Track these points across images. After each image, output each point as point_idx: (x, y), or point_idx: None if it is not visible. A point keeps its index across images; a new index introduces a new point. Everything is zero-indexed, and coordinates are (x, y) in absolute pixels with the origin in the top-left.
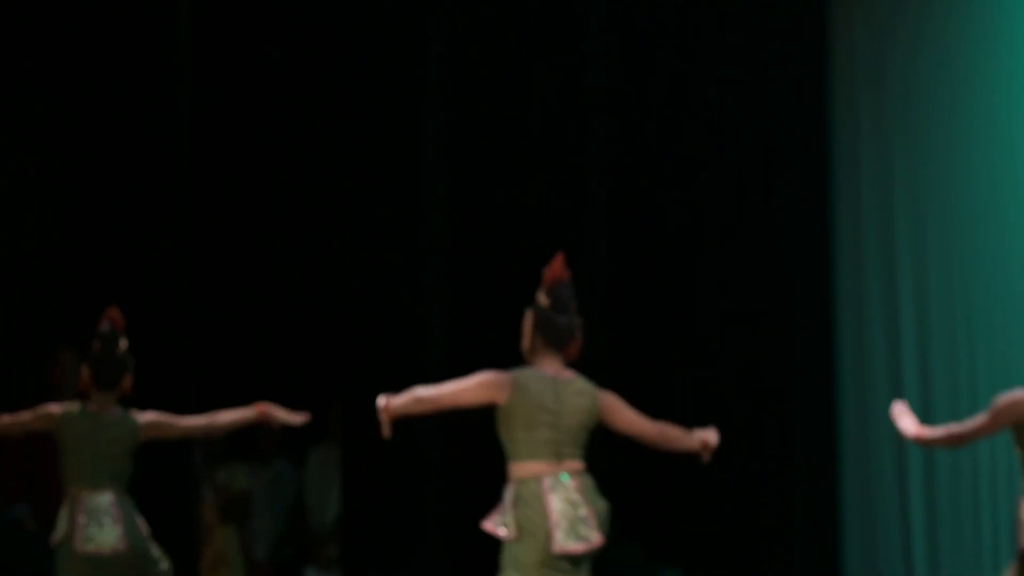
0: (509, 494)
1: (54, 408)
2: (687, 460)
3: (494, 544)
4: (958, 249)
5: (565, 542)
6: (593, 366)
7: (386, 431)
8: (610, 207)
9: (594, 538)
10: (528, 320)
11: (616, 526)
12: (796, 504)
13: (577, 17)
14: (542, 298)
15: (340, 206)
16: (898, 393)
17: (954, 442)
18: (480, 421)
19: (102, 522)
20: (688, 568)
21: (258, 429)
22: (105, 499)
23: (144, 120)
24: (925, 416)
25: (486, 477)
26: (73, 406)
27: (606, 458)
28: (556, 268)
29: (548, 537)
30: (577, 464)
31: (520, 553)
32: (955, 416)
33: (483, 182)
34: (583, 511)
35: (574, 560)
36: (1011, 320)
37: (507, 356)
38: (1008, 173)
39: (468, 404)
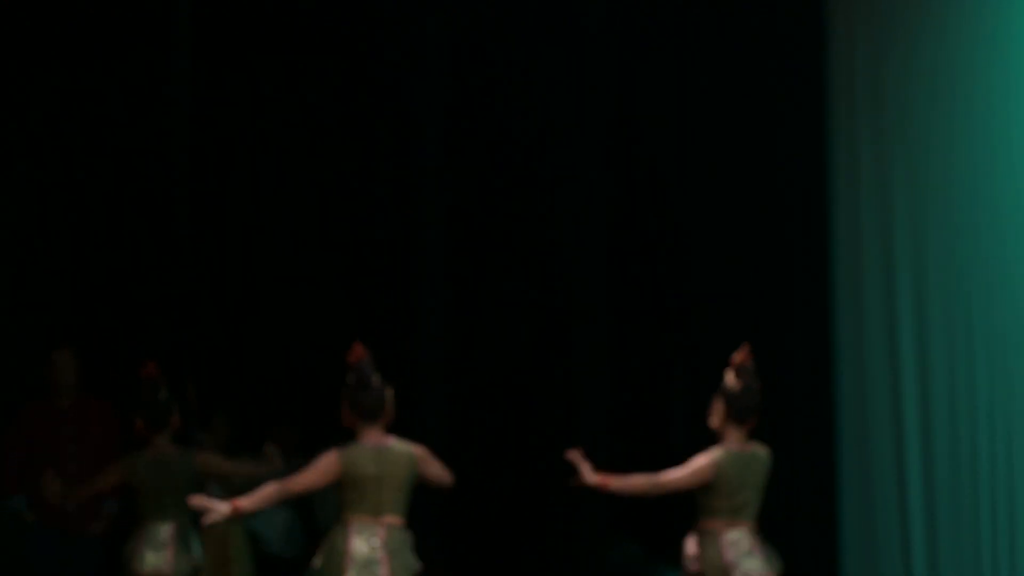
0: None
1: (124, 462)
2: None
3: (491, 540)
4: (957, 251)
5: None
6: (600, 371)
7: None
8: (609, 211)
9: None
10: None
11: (617, 527)
12: (795, 502)
13: (577, 21)
14: (349, 379)
15: (337, 224)
16: (896, 391)
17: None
18: (477, 419)
19: (159, 548)
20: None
21: (266, 428)
22: (167, 528)
23: (143, 118)
24: (924, 417)
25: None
26: (138, 456)
27: (606, 462)
28: (356, 353)
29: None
30: (396, 519)
31: None
32: (953, 418)
33: (482, 188)
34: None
35: None
36: (1010, 321)
37: (508, 350)
38: (1007, 174)
39: (315, 488)
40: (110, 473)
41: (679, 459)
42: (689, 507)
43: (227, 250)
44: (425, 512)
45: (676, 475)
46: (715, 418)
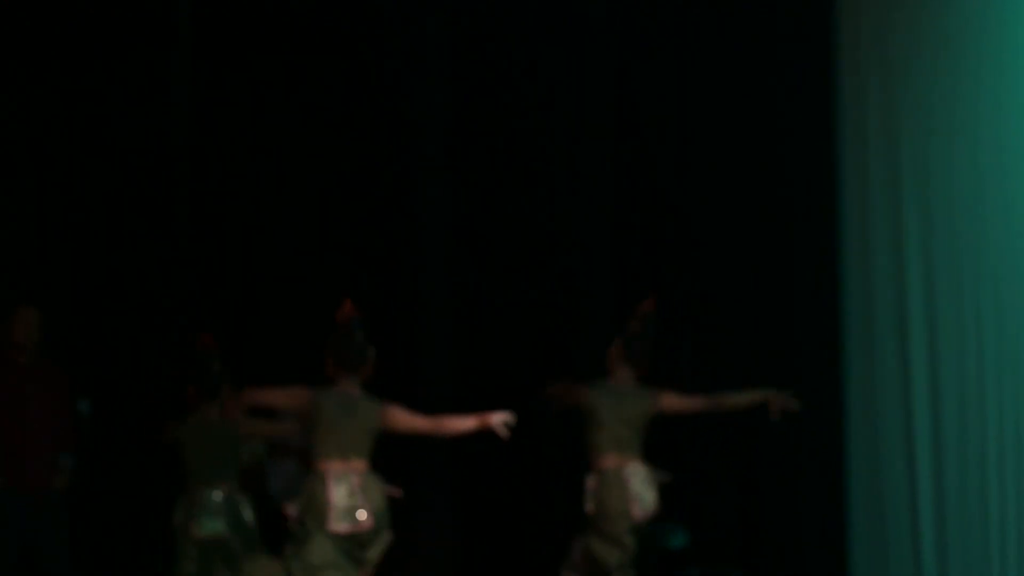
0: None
1: (173, 428)
2: (695, 440)
3: (496, 506)
4: (966, 234)
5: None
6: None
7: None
8: (617, 195)
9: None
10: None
11: None
12: (803, 481)
13: (579, 17)
14: (336, 331)
15: (341, 219)
16: (906, 374)
17: None
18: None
19: (215, 512)
20: (694, 538)
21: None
22: (219, 493)
23: (145, 115)
24: (934, 403)
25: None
26: (188, 422)
27: None
28: (345, 309)
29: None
30: (363, 463)
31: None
32: (963, 404)
33: (484, 186)
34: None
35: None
36: (1020, 305)
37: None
38: (1017, 157)
39: (278, 405)
40: (168, 433)
41: (687, 438)
42: (695, 466)
43: (230, 241)
44: (433, 477)
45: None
46: (611, 356)
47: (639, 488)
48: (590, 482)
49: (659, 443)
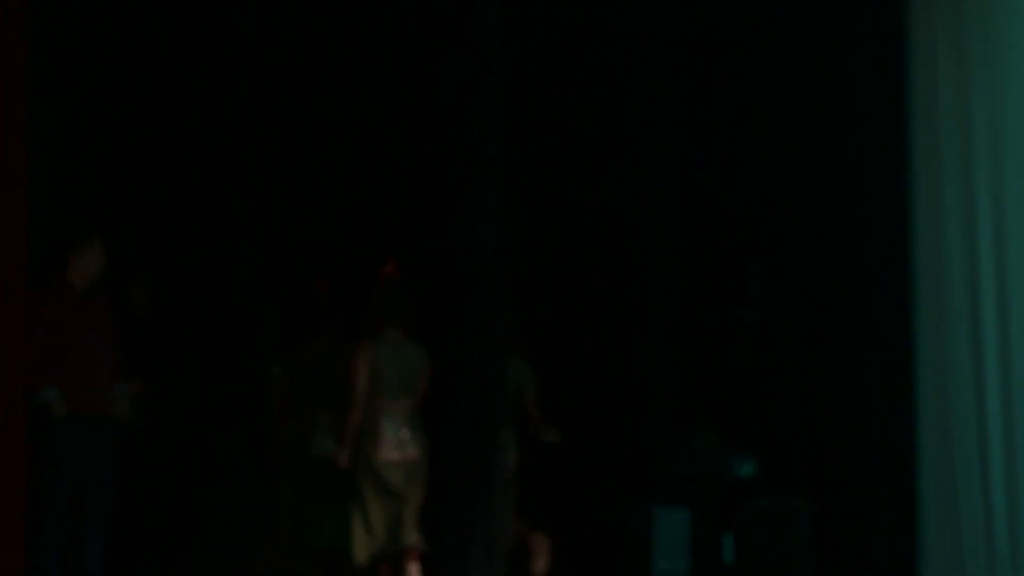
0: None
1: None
2: (763, 358)
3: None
4: None
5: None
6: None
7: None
8: (681, 178)
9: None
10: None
11: (692, 417)
12: (872, 413)
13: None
14: (380, 286)
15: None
16: (980, 388)
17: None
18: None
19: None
20: (760, 457)
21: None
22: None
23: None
24: (1007, 413)
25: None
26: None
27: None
28: (389, 267)
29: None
30: (410, 401)
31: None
32: None
33: (542, 181)
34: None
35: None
36: None
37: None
38: None
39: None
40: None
41: (756, 357)
42: (760, 398)
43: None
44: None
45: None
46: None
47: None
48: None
49: (728, 380)
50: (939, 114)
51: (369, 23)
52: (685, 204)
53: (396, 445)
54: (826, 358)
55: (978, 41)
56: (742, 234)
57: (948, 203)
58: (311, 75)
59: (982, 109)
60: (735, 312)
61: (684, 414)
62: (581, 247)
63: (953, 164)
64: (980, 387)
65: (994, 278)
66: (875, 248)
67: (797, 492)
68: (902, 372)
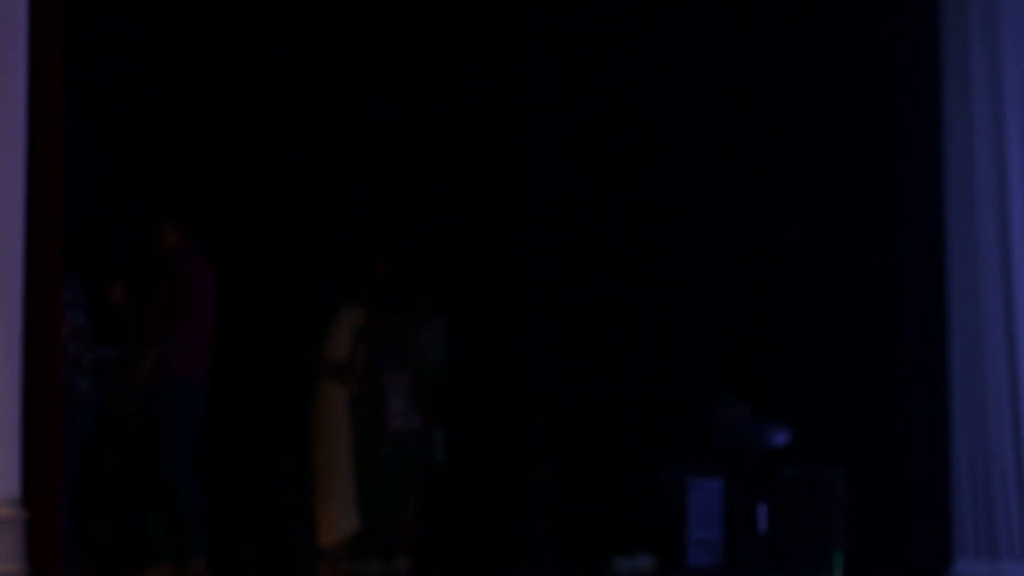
0: None
1: None
2: (797, 328)
3: (602, 405)
4: None
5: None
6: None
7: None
8: (721, 161)
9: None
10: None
11: (725, 387)
12: (904, 370)
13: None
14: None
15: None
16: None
17: None
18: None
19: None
20: (794, 426)
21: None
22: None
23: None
24: None
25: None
26: None
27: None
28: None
29: None
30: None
31: None
32: None
33: (590, 186)
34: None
35: None
36: None
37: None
38: None
39: None
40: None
41: (788, 327)
42: (794, 368)
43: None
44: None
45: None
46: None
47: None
48: None
49: (763, 350)
50: (972, 110)
51: (416, 25)
52: (725, 179)
53: (403, 415)
54: (860, 327)
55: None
56: (779, 209)
57: (979, 153)
58: (368, 79)
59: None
60: (770, 283)
61: (719, 384)
62: (625, 222)
63: (984, 147)
64: (1013, 355)
65: None
66: (909, 219)
67: (831, 461)
68: (936, 341)
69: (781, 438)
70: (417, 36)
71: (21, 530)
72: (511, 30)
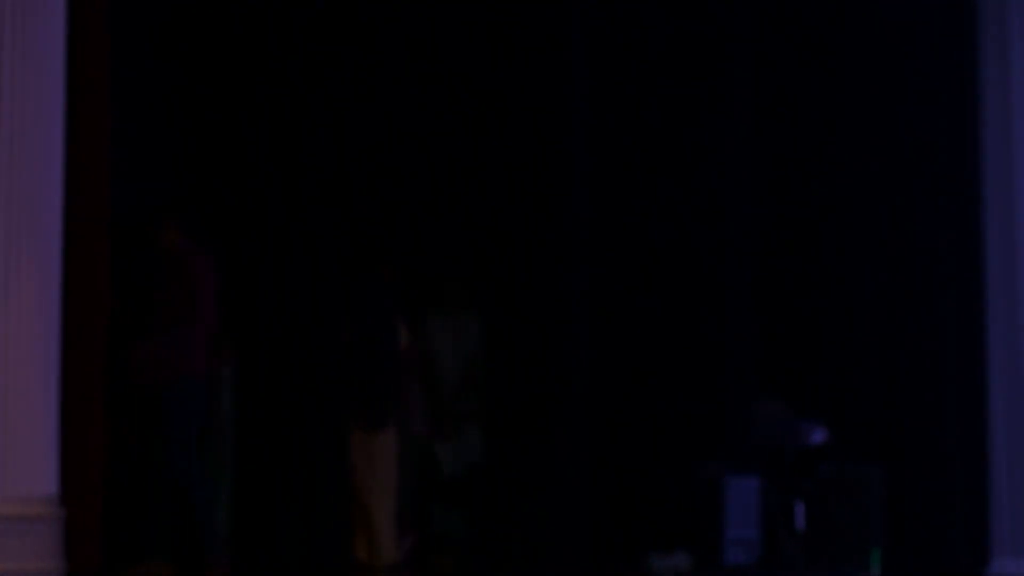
0: None
1: None
2: (835, 325)
3: (640, 401)
4: None
5: None
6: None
7: None
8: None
9: None
10: None
11: (764, 385)
12: (943, 367)
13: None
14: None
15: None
16: None
17: None
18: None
19: None
20: (832, 424)
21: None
22: None
23: None
24: None
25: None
26: None
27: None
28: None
29: None
30: None
31: None
32: None
33: (626, 186)
34: None
35: None
36: None
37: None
38: None
39: None
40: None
41: (826, 324)
42: (832, 365)
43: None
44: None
45: None
46: None
47: None
48: None
49: (802, 346)
50: (1013, 109)
51: (451, 23)
52: (765, 178)
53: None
54: (898, 326)
55: None
56: (819, 208)
57: (1017, 152)
58: (397, 74)
59: None
60: (809, 282)
61: (756, 382)
62: (665, 219)
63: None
64: None
65: None
66: (948, 217)
67: (869, 459)
68: (974, 340)
69: (819, 436)
70: (451, 34)
71: (59, 528)
72: (549, 27)
